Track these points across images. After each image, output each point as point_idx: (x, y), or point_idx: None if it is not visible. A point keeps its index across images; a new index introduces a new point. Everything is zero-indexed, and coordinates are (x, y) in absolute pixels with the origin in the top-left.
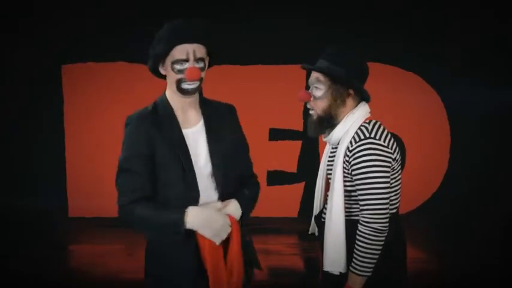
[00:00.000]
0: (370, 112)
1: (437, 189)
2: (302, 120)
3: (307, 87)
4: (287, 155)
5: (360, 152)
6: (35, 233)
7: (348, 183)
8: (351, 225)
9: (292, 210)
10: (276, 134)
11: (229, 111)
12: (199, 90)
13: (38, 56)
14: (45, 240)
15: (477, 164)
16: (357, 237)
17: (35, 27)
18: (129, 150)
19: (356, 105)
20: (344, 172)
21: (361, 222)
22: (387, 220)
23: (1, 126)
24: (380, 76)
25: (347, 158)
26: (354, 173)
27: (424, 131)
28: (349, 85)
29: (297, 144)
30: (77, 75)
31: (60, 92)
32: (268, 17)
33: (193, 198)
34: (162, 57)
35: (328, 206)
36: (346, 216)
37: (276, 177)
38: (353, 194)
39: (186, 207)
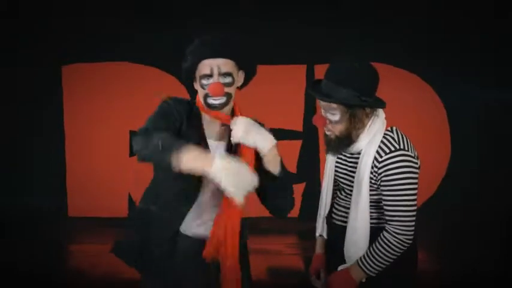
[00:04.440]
0: (385, 118)
1: (437, 189)
2: (302, 120)
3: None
4: (287, 155)
5: (392, 164)
6: (35, 233)
7: (372, 193)
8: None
9: (292, 211)
10: (276, 134)
11: None
12: (227, 105)
13: (38, 56)
14: (45, 240)
15: (477, 163)
16: (381, 242)
17: (35, 27)
18: (157, 115)
19: (371, 117)
20: (370, 182)
21: (389, 231)
22: (413, 232)
23: (1, 126)
24: (380, 76)
25: (375, 169)
26: (383, 184)
27: (424, 131)
28: (365, 106)
29: (297, 144)
30: (77, 75)
31: (60, 92)
32: (268, 17)
33: (187, 203)
34: (189, 72)
35: (352, 214)
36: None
37: None
38: (379, 203)
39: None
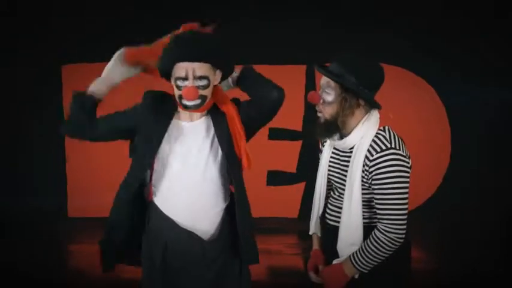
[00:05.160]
0: (380, 118)
1: (437, 189)
2: (302, 120)
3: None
4: (287, 155)
5: (383, 162)
6: (35, 233)
7: (364, 191)
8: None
9: (292, 210)
10: (276, 134)
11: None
12: (202, 106)
13: (38, 56)
14: (45, 240)
15: (477, 164)
16: (372, 240)
17: (35, 27)
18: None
19: (365, 114)
20: (361, 180)
21: (380, 229)
22: (405, 231)
23: (1, 126)
24: None
25: (367, 168)
26: (374, 182)
27: (424, 131)
28: (359, 96)
29: (297, 144)
30: (77, 75)
31: (60, 92)
32: (268, 17)
33: (143, 177)
34: (165, 72)
35: (344, 213)
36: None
37: (276, 177)
38: (371, 202)
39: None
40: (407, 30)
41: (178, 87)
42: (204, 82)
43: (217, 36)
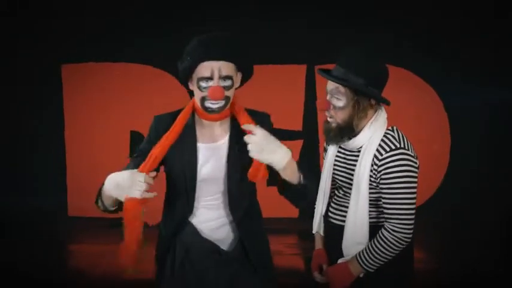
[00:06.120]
0: (387, 117)
1: (437, 189)
2: (302, 120)
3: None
4: None
5: (392, 162)
6: (35, 233)
7: (371, 191)
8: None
9: (292, 210)
10: (276, 134)
11: (261, 122)
12: (225, 109)
13: (38, 56)
14: (45, 240)
15: (477, 163)
16: (379, 240)
17: (35, 27)
18: (144, 142)
19: (374, 113)
20: (369, 180)
21: (387, 229)
22: (412, 231)
23: (1, 126)
24: None
25: (375, 167)
26: (383, 182)
27: (424, 131)
28: (371, 97)
29: (297, 144)
30: (77, 75)
31: (60, 92)
32: (268, 17)
33: (187, 211)
34: (187, 73)
35: (350, 212)
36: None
37: (276, 178)
38: (378, 201)
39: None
40: (407, 30)
41: (201, 89)
42: (228, 82)
43: (238, 38)
